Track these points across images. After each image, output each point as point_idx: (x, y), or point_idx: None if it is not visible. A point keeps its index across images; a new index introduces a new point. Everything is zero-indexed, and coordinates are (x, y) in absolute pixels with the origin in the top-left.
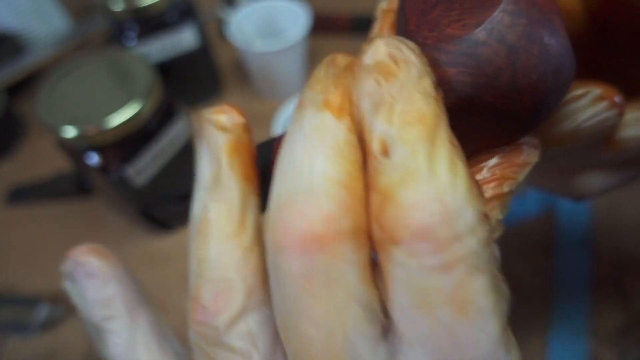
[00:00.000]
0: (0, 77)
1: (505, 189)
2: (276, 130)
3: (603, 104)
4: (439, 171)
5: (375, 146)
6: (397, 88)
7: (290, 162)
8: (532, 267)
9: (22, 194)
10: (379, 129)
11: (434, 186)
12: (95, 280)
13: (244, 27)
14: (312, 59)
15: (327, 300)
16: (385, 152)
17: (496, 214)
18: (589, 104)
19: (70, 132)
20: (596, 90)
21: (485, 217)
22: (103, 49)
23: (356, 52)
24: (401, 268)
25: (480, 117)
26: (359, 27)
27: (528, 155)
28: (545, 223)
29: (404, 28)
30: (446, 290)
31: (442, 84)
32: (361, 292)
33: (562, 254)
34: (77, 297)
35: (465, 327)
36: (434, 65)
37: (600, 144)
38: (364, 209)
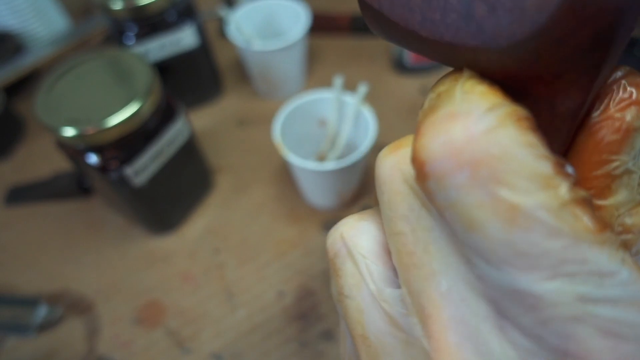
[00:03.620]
0: (0, 76)
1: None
2: (276, 129)
3: None
4: (469, 95)
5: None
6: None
7: None
8: None
9: (21, 194)
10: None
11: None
12: None
13: (243, 26)
14: (312, 59)
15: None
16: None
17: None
18: None
19: (69, 131)
20: None
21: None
22: (102, 49)
23: (354, 51)
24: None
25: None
26: (358, 27)
27: None
28: None
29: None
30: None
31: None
32: None
33: None
34: None
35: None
36: None
37: None
38: None
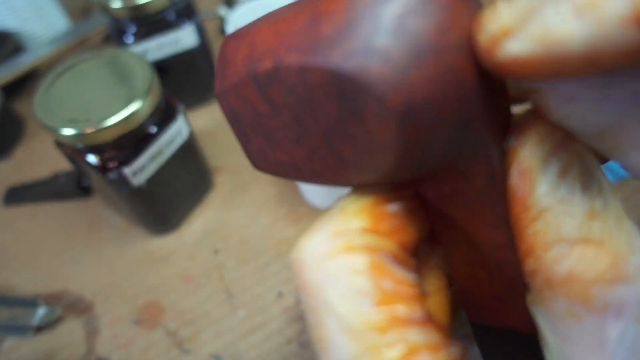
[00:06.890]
0: None
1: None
2: None
3: None
4: None
5: None
6: None
7: None
8: None
9: (20, 194)
10: None
11: None
12: None
13: (243, 25)
14: None
15: None
16: None
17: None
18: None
19: (68, 131)
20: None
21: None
22: (101, 48)
23: None
24: None
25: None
26: None
27: None
28: None
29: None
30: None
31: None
32: None
33: None
34: None
35: None
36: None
37: None
38: None
